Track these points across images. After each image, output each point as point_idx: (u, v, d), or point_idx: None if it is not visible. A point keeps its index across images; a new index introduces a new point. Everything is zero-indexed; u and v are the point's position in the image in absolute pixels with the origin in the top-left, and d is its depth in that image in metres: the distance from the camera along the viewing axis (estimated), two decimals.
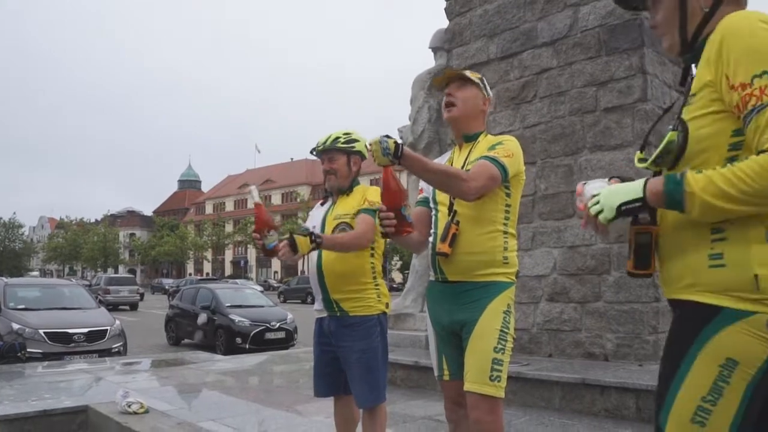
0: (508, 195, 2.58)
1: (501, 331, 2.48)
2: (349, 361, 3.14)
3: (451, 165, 2.66)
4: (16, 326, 9.71)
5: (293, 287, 39.59)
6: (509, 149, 2.54)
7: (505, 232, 2.57)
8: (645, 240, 1.58)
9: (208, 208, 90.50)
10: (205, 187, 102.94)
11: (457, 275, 2.55)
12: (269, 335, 13.38)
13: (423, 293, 7.59)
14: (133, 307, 29.45)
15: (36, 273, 75.34)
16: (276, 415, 5.28)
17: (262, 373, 8.31)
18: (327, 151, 3.25)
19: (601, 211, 1.57)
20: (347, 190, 3.28)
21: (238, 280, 39.61)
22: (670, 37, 1.64)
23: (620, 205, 1.54)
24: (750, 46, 1.38)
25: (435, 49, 8.07)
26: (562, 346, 6.14)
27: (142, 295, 34.16)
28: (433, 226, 2.69)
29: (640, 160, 1.64)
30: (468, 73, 2.72)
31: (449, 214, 2.60)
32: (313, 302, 3.55)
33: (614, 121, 5.94)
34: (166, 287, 45.21)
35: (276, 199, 78.59)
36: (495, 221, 2.55)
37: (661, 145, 1.53)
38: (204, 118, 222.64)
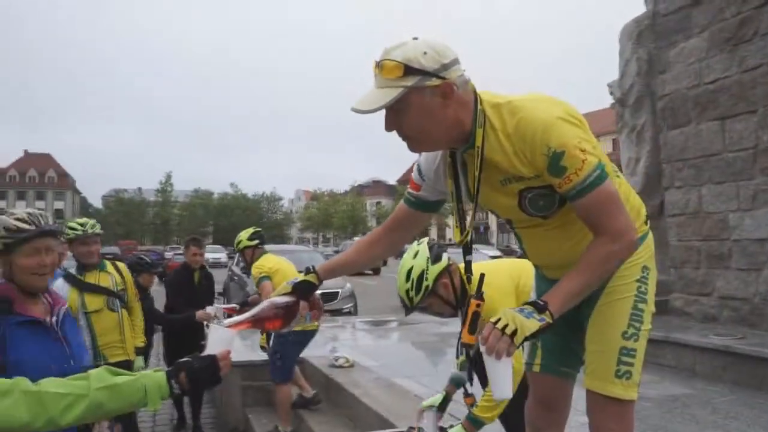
0: None
1: (634, 307, 1.88)
2: None
3: (458, 178, 2.04)
4: None
5: None
6: (574, 144, 1.66)
7: None
8: None
9: None
10: None
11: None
12: None
13: None
14: (376, 271, 31.60)
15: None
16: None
17: None
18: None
19: None
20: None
21: (478, 246, 40.19)
22: None
23: None
24: None
25: None
26: None
27: (385, 261, 36.35)
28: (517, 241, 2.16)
29: None
30: (386, 93, 1.69)
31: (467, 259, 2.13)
32: None
33: None
34: None
35: None
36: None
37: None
38: None
